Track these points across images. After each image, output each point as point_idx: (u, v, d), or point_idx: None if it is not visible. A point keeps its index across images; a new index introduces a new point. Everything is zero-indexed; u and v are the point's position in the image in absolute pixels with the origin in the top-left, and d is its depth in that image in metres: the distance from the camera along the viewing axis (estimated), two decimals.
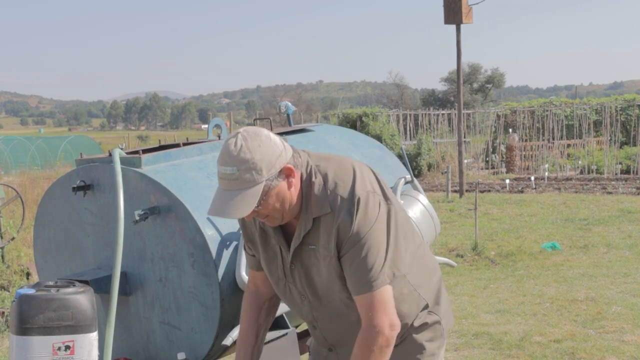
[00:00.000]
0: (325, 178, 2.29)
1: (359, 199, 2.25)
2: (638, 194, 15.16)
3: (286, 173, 2.22)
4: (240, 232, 2.52)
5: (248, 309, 2.61)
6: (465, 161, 19.03)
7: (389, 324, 2.25)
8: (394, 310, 2.28)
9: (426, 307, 2.51)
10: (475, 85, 47.35)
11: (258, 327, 2.60)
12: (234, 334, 3.09)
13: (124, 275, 3.20)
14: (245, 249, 2.56)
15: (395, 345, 2.38)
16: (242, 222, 2.47)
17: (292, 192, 2.25)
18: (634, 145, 20.92)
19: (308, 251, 2.33)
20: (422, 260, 2.52)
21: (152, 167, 3.25)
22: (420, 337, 2.50)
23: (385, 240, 2.27)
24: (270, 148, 2.19)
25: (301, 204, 2.29)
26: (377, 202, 2.28)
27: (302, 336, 4.10)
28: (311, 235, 2.30)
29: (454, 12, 12.52)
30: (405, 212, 2.54)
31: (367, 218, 2.25)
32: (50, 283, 2.93)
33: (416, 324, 2.49)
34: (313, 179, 2.29)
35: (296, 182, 2.27)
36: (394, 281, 2.31)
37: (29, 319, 2.77)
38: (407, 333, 2.49)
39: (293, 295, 2.45)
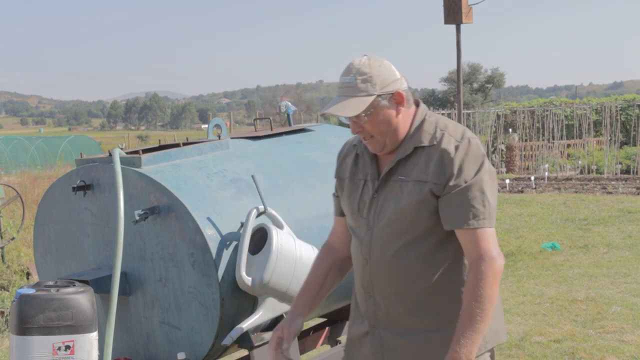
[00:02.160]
0: (437, 121, 2.48)
1: (468, 139, 2.42)
2: (638, 194, 15.15)
3: (397, 100, 2.42)
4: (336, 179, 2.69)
5: (319, 262, 2.70)
6: None
7: (498, 254, 2.35)
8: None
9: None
10: (475, 85, 47.28)
11: (324, 280, 2.66)
12: (234, 333, 3.09)
13: (124, 275, 3.19)
14: (336, 191, 2.70)
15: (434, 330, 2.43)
16: (342, 158, 2.68)
17: (399, 119, 2.43)
18: (634, 145, 20.90)
19: (394, 182, 2.45)
20: None
21: (152, 167, 3.25)
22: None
23: (490, 187, 2.40)
24: (389, 71, 2.42)
25: (406, 136, 2.46)
26: (483, 154, 2.43)
27: (302, 336, 4.10)
28: (406, 164, 2.44)
29: (454, 12, 12.51)
30: None
31: (475, 158, 2.39)
32: (50, 283, 2.93)
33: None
34: (427, 117, 2.49)
35: (405, 113, 2.45)
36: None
37: (29, 319, 2.77)
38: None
39: (360, 227, 2.53)
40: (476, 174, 2.37)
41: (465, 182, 2.35)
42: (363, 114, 2.38)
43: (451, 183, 2.36)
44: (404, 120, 2.45)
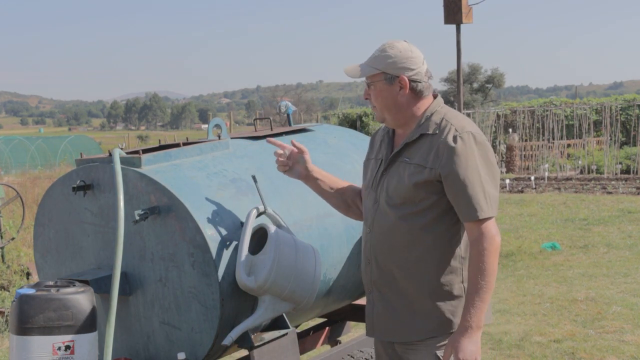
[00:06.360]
0: (446, 113, 2.71)
1: (469, 132, 2.62)
2: (638, 194, 15.15)
3: (400, 83, 2.67)
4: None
5: (350, 186, 3.09)
6: None
7: (496, 231, 2.61)
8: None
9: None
10: (475, 85, 47.26)
11: (340, 190, 3.06)
12: (234, 333, 3.09)
13: (124, 275, 3.19)
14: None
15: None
16: (372, 140, 2.98)
17: (401, 102, 2.69)
18: (634, 145, 20.90)
19: (400, 163, 2.72)
20: None
21: (152, 167, 3.25)
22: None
23: (490, 179, 2.60)
24: (407, 59, 2.67)
25: (417, 123, 2.71)
26: (486, 145, 2.64)
27: (302, 336, 4.10)
28: (411, 148, 2.70)
29: (454, 12, 12.50)
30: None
31: (474, 149, 2.58)
32: (50, 283, 2.92)
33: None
34: (439, 109, 2.72)
35: (412, 100, 2.70)
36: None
37: (29, 319, 2.77)
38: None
39: (370, 200, 2.83)
40: (475, 166, 2.57)
41: (465, 176, 2.56)
42: (368, 81, 2.68)
43: (450, 173, 2.57)
44: (409, 105, 2.70)
